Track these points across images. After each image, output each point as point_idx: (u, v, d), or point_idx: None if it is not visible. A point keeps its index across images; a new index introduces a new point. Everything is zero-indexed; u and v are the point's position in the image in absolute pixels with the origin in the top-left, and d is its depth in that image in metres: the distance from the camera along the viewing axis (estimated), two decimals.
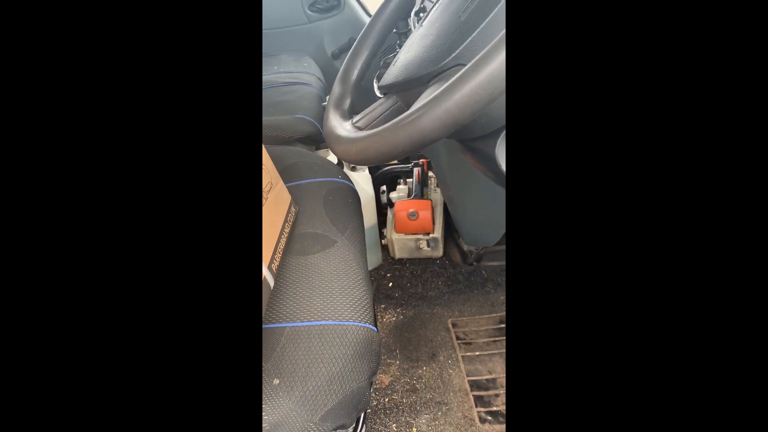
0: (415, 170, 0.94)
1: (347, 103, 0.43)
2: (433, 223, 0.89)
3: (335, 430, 0.37)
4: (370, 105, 0.42)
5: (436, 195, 0.93)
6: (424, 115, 0.24)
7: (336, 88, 0.45)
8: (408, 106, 0.36)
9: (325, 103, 1.01)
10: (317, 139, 0.86)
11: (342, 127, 0.36)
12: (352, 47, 0.48)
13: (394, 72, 0.37)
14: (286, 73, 1.11)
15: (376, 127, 0.31)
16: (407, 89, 0.35)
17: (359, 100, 0.45)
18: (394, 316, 0.88)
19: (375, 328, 0.42)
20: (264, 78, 1.08)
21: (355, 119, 0.39)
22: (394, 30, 0.58)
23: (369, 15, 1.36)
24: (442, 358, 0.79)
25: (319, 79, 1.13)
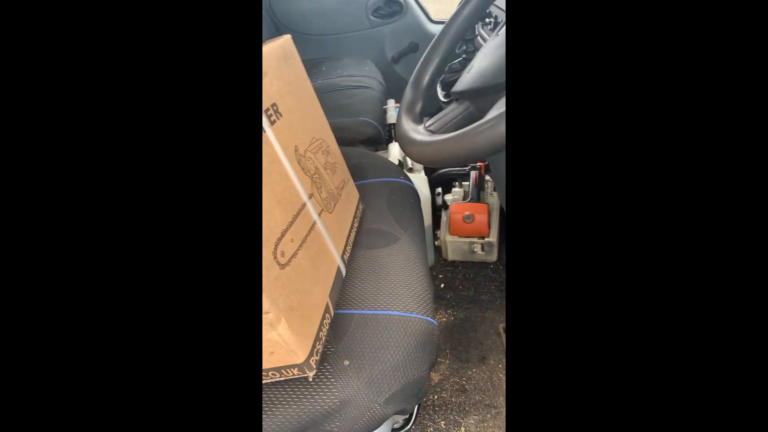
0: (472, 173, 0.94)
1: (419, 107, 0.46)
2: (489, 227, 0.89)
3: (396, 413, 0.39)
4: (432, 107, 0.44)
5: (493, 199, 0.93)
6: (502, 122, 0.26)
7: (408, 93, 0.47)
8: (481, 113, 0.38)
9: (386, 106, 1.05)
10: (379, 140, 0.89)
11: (416, 131, 0.38)
12: (425, 54, 0.50)
13: (468, 79, 0.39)
14: (349, 77, 1.15)
15: (449, 131, 0.33)
16: (481, 96, 0.37)
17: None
18: (444, 317, 0.89)
19: (435, 322, 0.44)
20: (329, 81, 1.13)
21: (427, 123, 0.41)
22: None
23: (430, 20, 1.38)
24: (492, 361, 0.79)
25: (380, 82, 1.17)
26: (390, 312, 0.41)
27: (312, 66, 1.29)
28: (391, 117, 1.01)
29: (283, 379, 0.34)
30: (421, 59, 0.50)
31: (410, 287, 0.44)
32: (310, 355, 0.33)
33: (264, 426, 0.34)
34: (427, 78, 0.49)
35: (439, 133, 0.35)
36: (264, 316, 0.29)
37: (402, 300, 0.43)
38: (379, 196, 0.59)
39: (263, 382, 0.34)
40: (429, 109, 0.46)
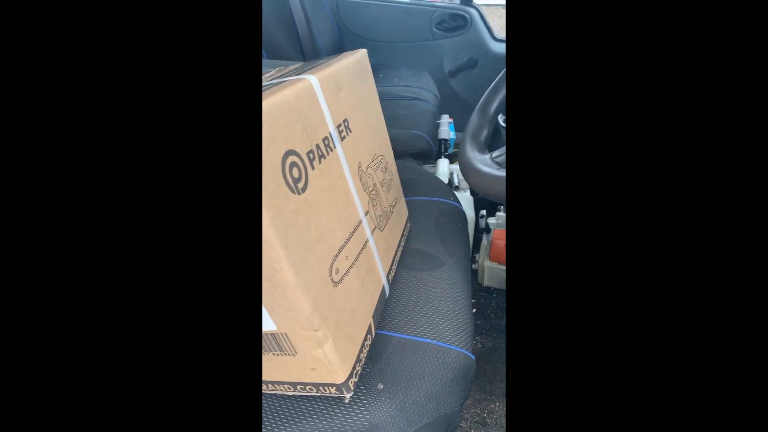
0: None
1: (484, 134, 0.45)
2: None
3: None
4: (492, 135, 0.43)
5: None
6: None
7: (474, 119, 0.47)
8: None
9: (439, 120, 1.04)
10: (428, 155, 0.89)
11: (482, 161, 0.37)
12: (495, 81, 0.49)
13: None
14: (406, 87, 1.16)
15: None
16: None
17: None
18: None
19: (473, 357, 0.43)
20: (385, 89, 1.14)
21: (494, 154, 0.40)
22: None
23: (493, 38, 1.36)
24: None
25: (435, 95, 1.17)
26: (429, 341, 0.41)
27: None
28: (443, 132, 1.00)
29: (318, 394, 0.34)
30: (491, 86, 0.49)
31: (452, 317, 0.43)
32: (350, 376, 0.32)
33: None
34: (495, 105, 0.48)
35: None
36: (313, 333, 0.29)
37: (443, 330, 0.42)
38: (427, 215, 0.58)
39: (298, 393, 0.34)
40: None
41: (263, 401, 0.36)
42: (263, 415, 0.35)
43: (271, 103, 0.26)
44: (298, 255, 0.27)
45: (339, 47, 1.37)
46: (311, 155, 0.30)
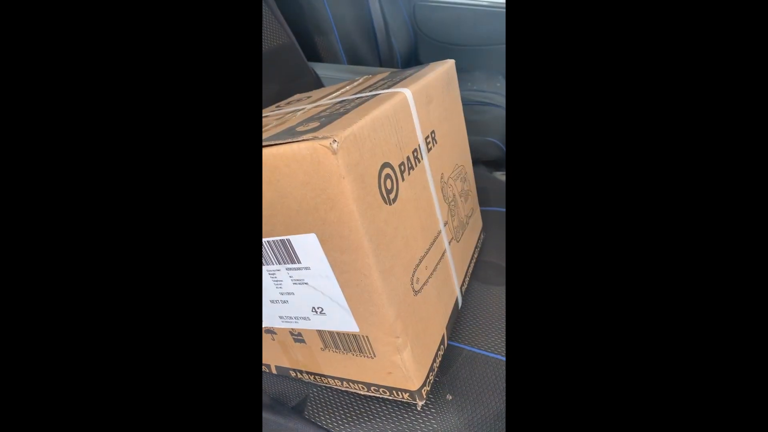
0: None
1: None
2: None
3: None
4: None
5: None
6: None
7: None
8: None
9: None
10: (501, 163, 0.87)
11: None
12: None
13: None
14: (479, 92, 1.13)
15: None
16: None
17: None
18: None
19: None
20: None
21: None
22: None
23: None
24: None
25: None
26: (500, 357, 0.40)
27: None
28: None
29: (390, 398, 0.35)
30: None
31: None
32: (423, 384, 0.33)
33: None
34: None
35: None
36: (394, 339, 0.30)
37: None
38: (500, 227, 0.57)
39: (370, 394, 0.35)
40: None
41: (337, 396, 0.38)
42: (336, 409, 0.37)
43: (373, 118, 0.27)
44: (386, 263, 0.28)
45: (414, 52, 1.38)
46: (402, 167, 0.31)
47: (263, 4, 0.64)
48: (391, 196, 0.29)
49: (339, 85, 0.49)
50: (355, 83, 0.47)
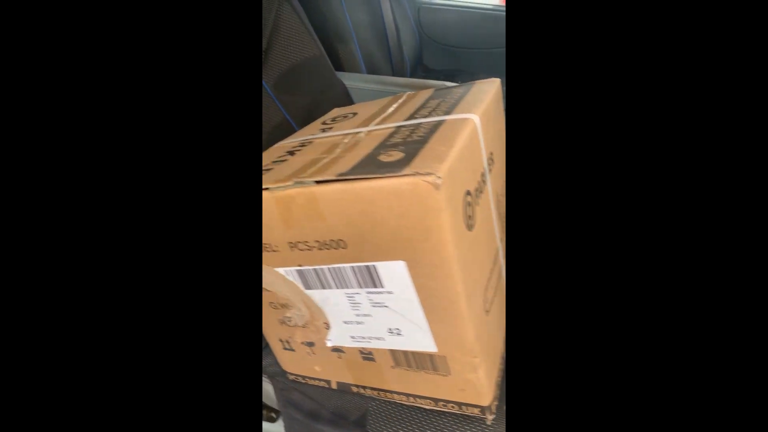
0: None
1: None
2: None
3: None
4: None
5: None
6: None
7: None
8: None
9: None
10: None
11: None
12: None
13: None
14: None
15: None
16: None
17: None
18: None
19: None
20: None
21: None
22: None
23: None
24: None
25: None
26: None
27: (447, 77, 1.31)
28: None
29: (458, 413, 0.36)
30: None
31: None
32: (493, 399, 0.34)
33: None
34: None
35: None
36: (472, 359, 0.31)
37: None
38: None
39: (438, 409, 0.36)
40: None
41: (398, 410, 0.39)
42: (398, 423, 0.38)
43: (460, 149, 0.28)
44: (469, 287, 0.29)
45: (419, 55, 1.39)
46: (476, 192, 0.32)
47: (295, 15, 0.63)
48: (471, 222, 0.30)
49: (381, 103, 0.50)
50: (400, 101, 0.47)
